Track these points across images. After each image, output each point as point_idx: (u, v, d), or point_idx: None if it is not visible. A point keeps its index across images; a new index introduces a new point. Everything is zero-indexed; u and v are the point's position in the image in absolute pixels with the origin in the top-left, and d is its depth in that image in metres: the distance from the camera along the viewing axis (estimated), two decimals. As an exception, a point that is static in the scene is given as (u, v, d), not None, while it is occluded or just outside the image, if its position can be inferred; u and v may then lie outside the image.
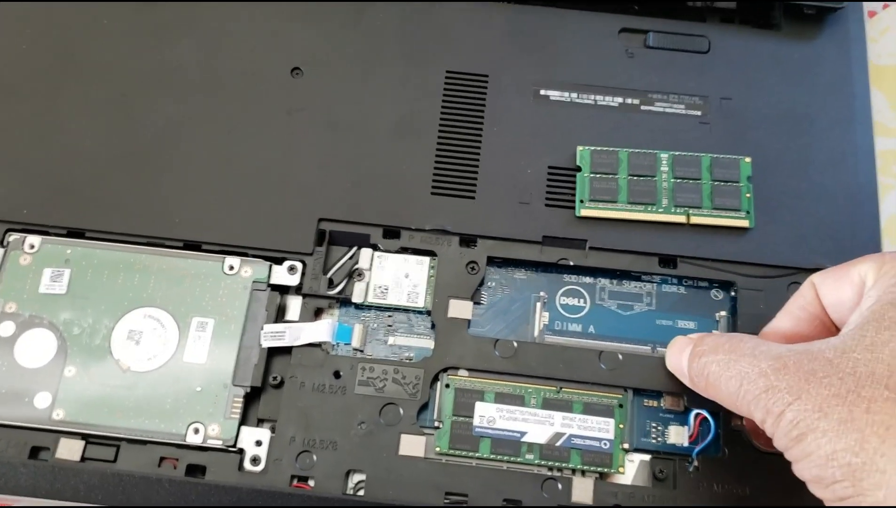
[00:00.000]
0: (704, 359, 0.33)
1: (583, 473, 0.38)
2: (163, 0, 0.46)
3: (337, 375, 0.39)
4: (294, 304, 0.41)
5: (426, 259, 0.41)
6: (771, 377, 0.29)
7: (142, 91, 0.44)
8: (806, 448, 0.28)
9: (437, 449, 0.38)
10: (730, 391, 0.31)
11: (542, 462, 0.37)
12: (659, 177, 0.42)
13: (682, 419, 0.38)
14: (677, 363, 0.36)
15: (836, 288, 0.33)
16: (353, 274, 0.41)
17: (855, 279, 0.32)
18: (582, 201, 0.41)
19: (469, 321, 0.40)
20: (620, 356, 0.39)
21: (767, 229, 0.41)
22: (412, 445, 0.37)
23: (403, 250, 0.41)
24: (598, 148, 0.42)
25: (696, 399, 0.38)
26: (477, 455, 0.37)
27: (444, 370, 0.39)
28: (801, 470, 0.29)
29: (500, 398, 0.38)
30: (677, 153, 0.42)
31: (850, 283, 0.32)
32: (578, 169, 0.42)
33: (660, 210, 0.41)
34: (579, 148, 0.43)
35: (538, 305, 0.41)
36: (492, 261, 0.41)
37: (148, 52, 0.45)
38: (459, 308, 0.40)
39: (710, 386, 0.33)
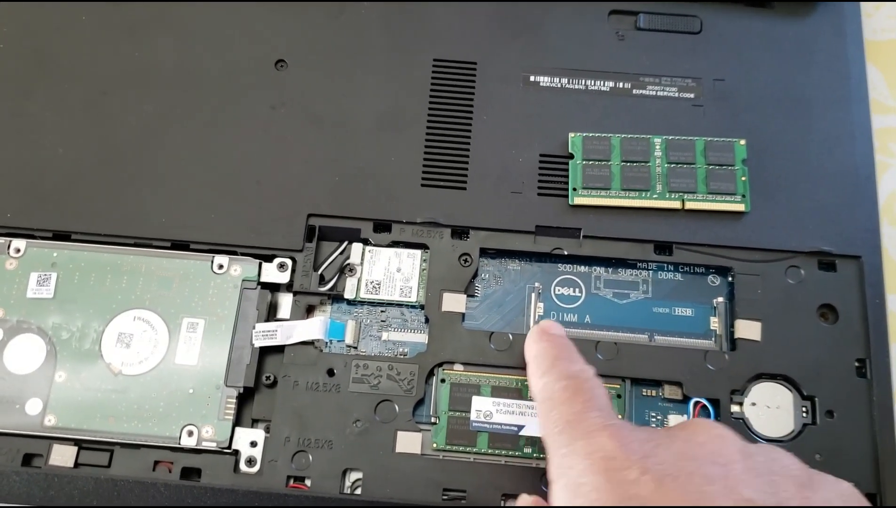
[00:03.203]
0: None
1: (582, 465, 0.37)
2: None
3: (331, 373, 0.38)
4: (285, 302, 0.40)
5: (418, 253, 0.40)
6: None
7: (123, 89, 0.43)
8: None
9: (434, 445, 0.37)
10: None
11: (541, 456, 0.37)
12: (653, 162, 0.41)
13: (681, 407, 0.38)
14: None
15: None
16: (345, 270, 0.40)
17: None
18: (575, 189, 0.41)
19: (463, 314, 0.39)
20: (617, 346, 0.38)
21: (764, 212, 0.41)
22: (409, 442, 0.37)
23: (395, 244, 0.41)
24: (591, 134, 0.42)
25: (696, 388, 0.38)
26: (475, 450, 0.37)
27: (439, 364, 0.38)
28: None
29: (497, 391, 0.38)
30: (671, 137, 0.42)
31: None
32: (571, 156, 0.42)
33: (654, 196, 0.41)
34: (571, 135, 0.42)
35: (533, 296, 0.40)
36: (485, 253, 0.41)
37: (128, 48, 0.44)
38: (453, 302, 0.39)
39: None
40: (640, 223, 0.40)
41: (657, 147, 0.41)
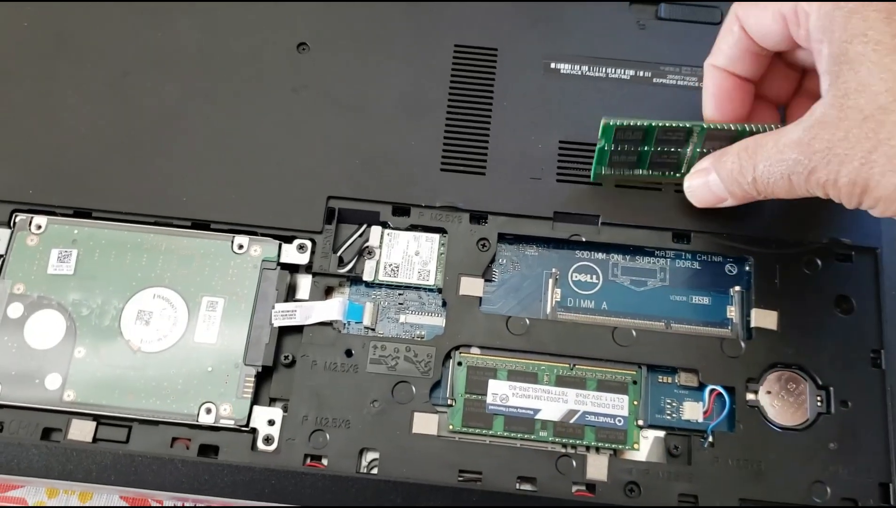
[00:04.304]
0: (743, 177, 0.35)
1: (597, 450, 0.37)
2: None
3: (349, 353, 0.38)
4: (304, 283, 0.40)
5: (436, 236, 0.41)
6: (806, 162, 0.32)
7: (145, 69, 0.44)
8: (874, 197, 0.31)
9: (451, 427, 0.37)
10: (785, 189, 0.34)
11: (557, 440, 0.37)
12: (684, 148, 0.40)
13: (696, 394, 0.38)
14: (707, 195, 0.38)
15: (759, 18, 0.36)
16: (364, 252, 0.40)
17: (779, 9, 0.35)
18: (599, 165, 0.40)
19: (480, 298, 0.39)
20: (634, 333, 0.39)
21: (782, 202, 0.40)
22: (425, 423, 0.37)
23: (413, 228, 0.41)
24: (623, 124, 0.39)
25: (711, 375, 0.38)
26: (490, 432, 0.37)
27: (456, 348, 0.39)
28: (882, 212, 0.32)
29: (513, 375, 0.38)
30: (710, 126, 0.39)
31: (772, 13, 0.35)
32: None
33: (678, 175, 0.40)
34: (603, 121, 0.39)
35: (550, 281, 0.41)
36: (503, 238, 0.41)
37: (150, 29, 0.44)
38: (471, 286, 0.40)
39: (763, 194, 0.35)
40: (659, 211, 0.41)
41: (694, 135, 0.38)
